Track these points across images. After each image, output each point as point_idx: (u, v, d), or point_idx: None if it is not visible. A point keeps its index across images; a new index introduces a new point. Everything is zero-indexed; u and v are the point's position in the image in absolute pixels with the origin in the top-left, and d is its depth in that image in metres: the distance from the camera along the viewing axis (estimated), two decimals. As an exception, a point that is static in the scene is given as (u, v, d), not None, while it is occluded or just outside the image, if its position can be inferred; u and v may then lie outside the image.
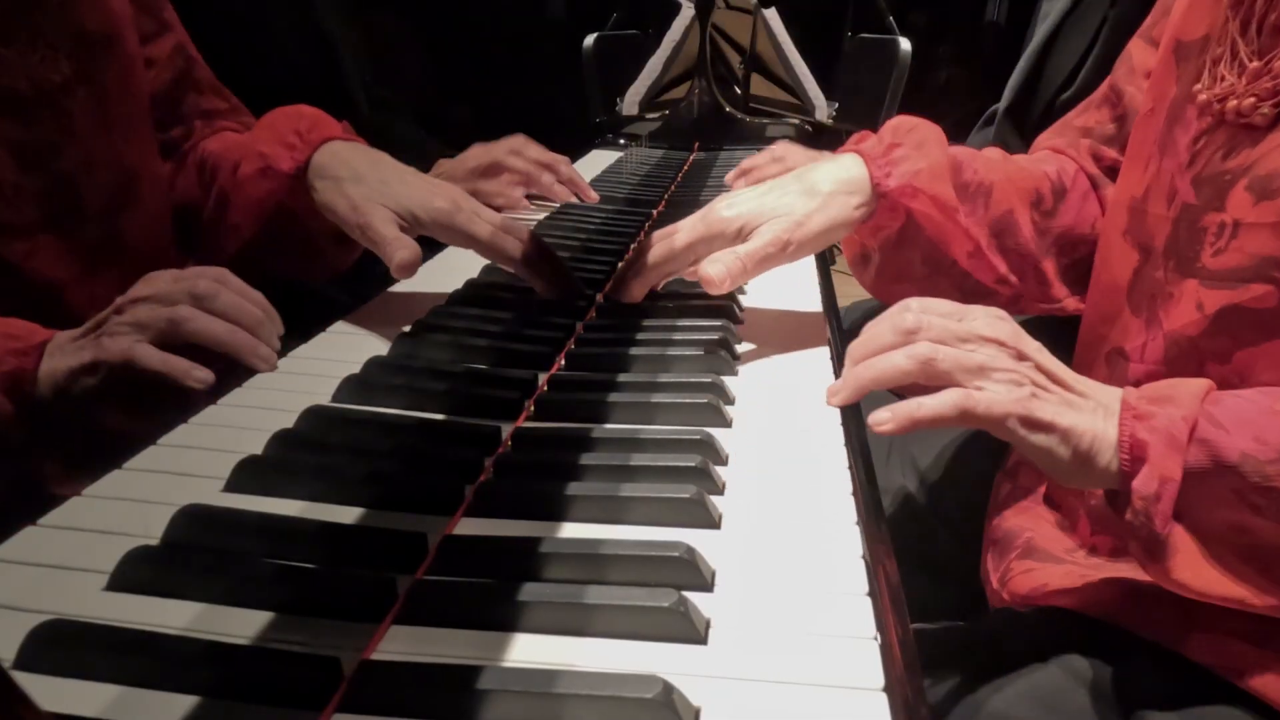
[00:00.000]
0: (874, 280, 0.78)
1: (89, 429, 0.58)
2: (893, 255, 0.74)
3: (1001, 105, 1.20)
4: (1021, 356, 0.55)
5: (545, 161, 1.14)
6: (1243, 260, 0.56)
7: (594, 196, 1.16)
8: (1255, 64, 0.56)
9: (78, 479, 0.48)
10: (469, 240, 0.71)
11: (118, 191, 0.71)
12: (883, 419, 0.53)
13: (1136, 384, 0.59)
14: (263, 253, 0.77)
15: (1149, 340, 0.62)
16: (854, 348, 0.58)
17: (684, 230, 0.68)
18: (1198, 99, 0.60)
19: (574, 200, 1.15)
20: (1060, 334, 0.73)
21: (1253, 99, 0.56)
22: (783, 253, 0.67)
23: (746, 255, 0.66)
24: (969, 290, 0.75)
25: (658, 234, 0.70)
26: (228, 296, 0.59)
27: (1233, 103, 0.57)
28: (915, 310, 0.56)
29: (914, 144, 0.71)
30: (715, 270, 0.65)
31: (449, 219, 0.70)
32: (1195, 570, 0.51)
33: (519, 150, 1.06)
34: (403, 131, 1.34)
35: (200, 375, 0.56)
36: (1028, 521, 0.73)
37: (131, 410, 0.57)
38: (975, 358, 0.54)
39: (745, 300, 0.79)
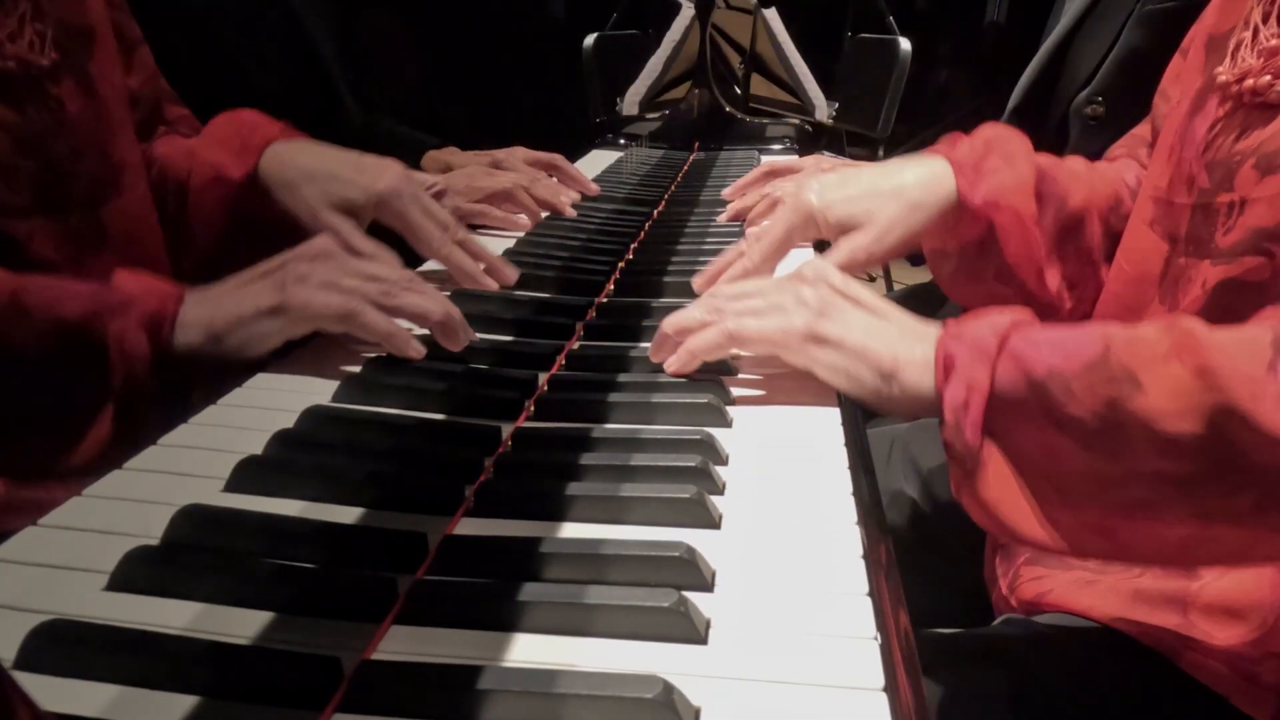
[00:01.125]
0: (949, 278, 0.80)
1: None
2: (970, 261, 0.76)
3: (1010, 105, 1.19)
4: (816, 283, 0.58)
5: (545, 163, 1.15)
6: (1244, 236, 0.56)
7: (595, 189, 1.17)
8: (1275, 43, 0.57)
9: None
10: (420, 216, 0.77)
11: (105, 181, 0.72)
12: (667, 362, 0.60)
13: None
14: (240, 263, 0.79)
15: None
16: (666, 323, 0.62)
17: (779, 222, 0.74)
18: (1218, 80, 0.60)
19: (576, 197, 1.16)
20: None
21: (1269, 77, 0.56)
22: (864, 263, 0.72)
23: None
24: (1031, 304, 0.76)
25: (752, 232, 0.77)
26: (421, 288, 0.63)
27: (1249, 82, 0.57)
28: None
29: (1004, 157, 0.72)
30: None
31: (399, 201, 0.76)
32: (1002, 490, 0.50)
33: (519, 180, 1.06)
34: (395, 131, 1.33)
35: (419, 347, 0.61)
36: None
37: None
38: (758, 302, 0.59)
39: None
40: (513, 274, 0.79)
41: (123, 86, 0.77)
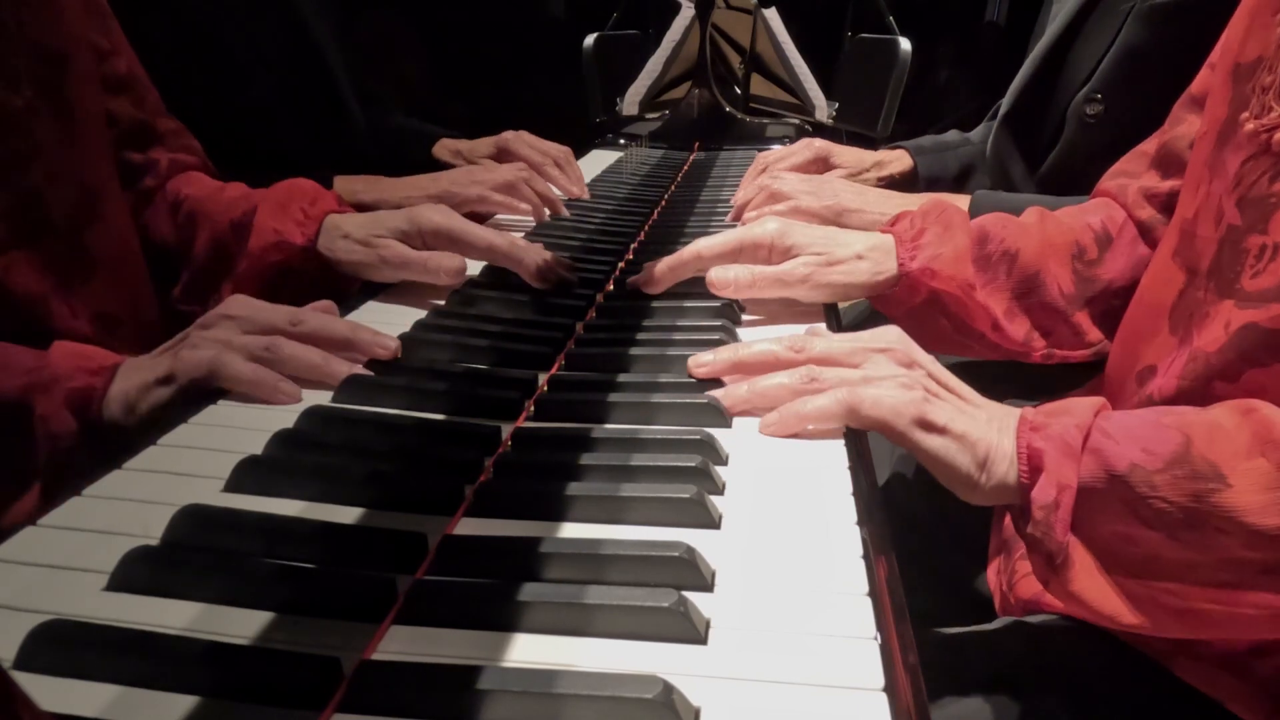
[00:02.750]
0: (913, 337, 0.81)
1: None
2: (924, 321, 0.77)
3: (1001, 110, 1.17)
4: (911, 364, 0.57)
5: (553, 154, 1.16)
6: (1275, 282, 0.55)
7: (586, 194, 1.18)
8: None
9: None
10: (466, 244, 0.79)
11: (82, 207, 0.71)
12: (770, 420, 0.55)
13: (1152, 397, 0.59)
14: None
15: (1176, 357, 0.61)
16: (743, 356, 0.60)
17: (728, 238, 0.76)
18: (1245, 128, 0.59)
19: (576, 192, 1.17)
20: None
21: None
22: (800, 285, 0.74)
23: (760, 274, 0.73)
24: (998, 352, 0.78)
25: (703, 240, 0.77)
26: (317, 321, 0.62)
27: (1279, 135, 0.56)
28: (804, 336, 0.60)
29: (941, 228, 0.75)
30: (721, 276, 0.73)
31: (447, 227, 0.79)
32: (1090, 582, 0.51)
33: (519, 174, 1.06)
34: (402, 125, 1.34)
35: (289, 390, 0.58)
36: None
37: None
38: (858, 371, 0.57)
39: (745, 301, 0.79)
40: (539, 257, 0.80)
41: (99, 109, 0.76)
